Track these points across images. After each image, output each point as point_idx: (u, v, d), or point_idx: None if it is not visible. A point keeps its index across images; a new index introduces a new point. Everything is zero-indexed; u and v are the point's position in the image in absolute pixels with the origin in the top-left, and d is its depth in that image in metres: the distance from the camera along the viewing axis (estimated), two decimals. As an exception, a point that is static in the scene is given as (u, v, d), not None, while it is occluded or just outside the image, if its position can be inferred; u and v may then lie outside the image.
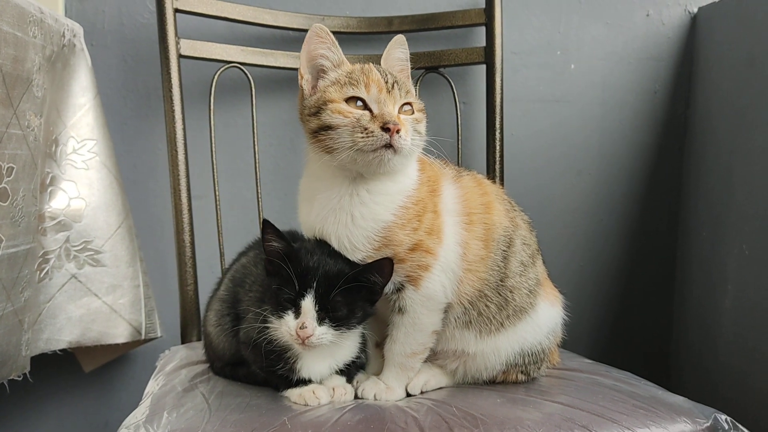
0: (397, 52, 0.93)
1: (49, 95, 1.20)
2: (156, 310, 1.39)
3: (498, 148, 1.45)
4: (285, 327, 0.84)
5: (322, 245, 0.89)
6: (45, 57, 1.15)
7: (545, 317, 0.98)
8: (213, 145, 1.36)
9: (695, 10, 1.56)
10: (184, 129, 1.32)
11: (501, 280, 0.94)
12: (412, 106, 0.90)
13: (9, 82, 1.02)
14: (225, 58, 1.38)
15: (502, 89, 1.44)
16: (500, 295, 0.94)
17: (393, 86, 0.87)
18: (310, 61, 0.91)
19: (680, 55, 1.57)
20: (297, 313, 0.84)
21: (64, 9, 1.43)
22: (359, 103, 0.87)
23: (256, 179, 1.40)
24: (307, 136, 0.90)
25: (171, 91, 1.32)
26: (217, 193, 1.37)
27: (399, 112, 0.88)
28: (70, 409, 1.50)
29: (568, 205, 1.59)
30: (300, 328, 0.83)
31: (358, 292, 0.85)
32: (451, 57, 1.46)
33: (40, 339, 1.25)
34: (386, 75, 0.89)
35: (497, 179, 1.44)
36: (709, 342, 1.45)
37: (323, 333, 0.84)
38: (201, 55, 1.36)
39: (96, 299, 1.30)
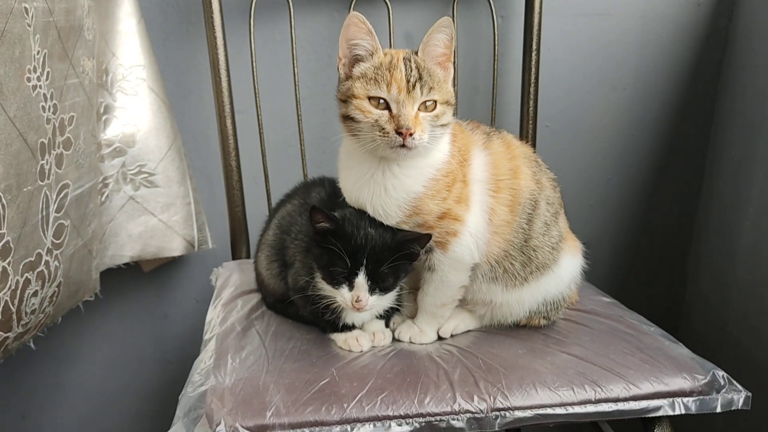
0: (440, 35, 0.94)
1: (98, 28, 1.24)
2: (206, 223, 1.50)
3: (534, 64, 1.46)
4: (341, 297, 0.95)
5: (363, 214, 0.97)
6: (92, -3, 1.17)
7: (566, 270, 1.07)
8: (254, 63, 1.39)
9: None
10: (226, 56, 1.35)
11: (525, 241, 1.01)
12: (435, 101, 0.93)
13: (64, 36, 1.07)
14: (264, -21, 1.38)
15: (541, 3, 1.43)
16: (524, 254, 1.02)
17: (414, 86, 0.90)
18: (347, 47, 0.94)
19: (728, -35, 1.52)
20: (351, 286, 0.94)
21: None
22: (381, 101, 0.91)
23: (296, 94, 1.44)
24: (339, 116, 0.96)
25: (212, 17, 1.34)
26: (259, 108, 1.42)
27: (420, 110, 0.91)
28: (132, 305, 1.66)
29: (600, 119, 1.61)
30: (356, 301, 0.94)
31: (399, 259, 0.94)
32: (491, -27, 1.44)
33: (105, 256, 1.38)
34: (411, 72, 0.91)
35: (532, 95, 1.47)
36: (725, 261, 1.53)
37: (375, 301, 0.96)
38: (240, -23, 1.36)
39: (152, 217, 1.41)
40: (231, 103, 1.38)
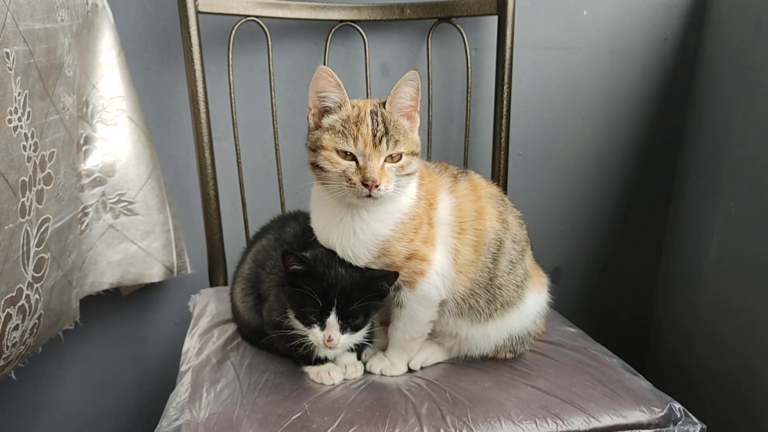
0: (407, 88, 0.98)
1: (78, 62, 1.26)
2: (185, 249, 1.53)
3: (506, 94, 1.50)
4: (313, 336, 0.99)
5: (333, 254, 1.00)
6: (73, 34, 1.20)
7: (531, 306, 1.11)
8: (232, 94, 1.43)
9: (714, -46, 1.54)
10: (204, 88, 1.39)
11: (490, 279, 1.06)
12: (401, 153, 0.96)
13: (44, 75, 1.09)
14: (242, 12, 1.42)
15: (512, 39, 1.47)
16: (489, 292, 1.06)
17: (380, 140, 0.94)
18: (317, 98, 0.98)
19: (694, 1, 1.57)
20: (322, 326, 0.98)
21: (81, -46, 1.44)
22: (349, 153, 0.95)
23: (273, 123, 1.48)
24: (309, 164, 1.00)
25: (191, 50, 1.37)
26: (237, 137, 1.46)
27: (386, 161, 0.95)
28: (111, 328, 1.68)
29: (571, 148, 1.66)
30: (327, 340, 0.98)
31: (369, 298, 0.98)
32: (464, 8, 1.48)
33: (85, 284, 1.40)
34: (377, 126, 0.95)
35: (504, 124, 1.51)
36: (691, 287, 1.58)
37: (346, 339, 1.00)
38: (218, 11, 1.40)
39: (132, 245, 1.44)
40: (209, 133, 1.41)
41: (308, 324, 0.99)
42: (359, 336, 1.04)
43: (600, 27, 1.58)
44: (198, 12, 1.37)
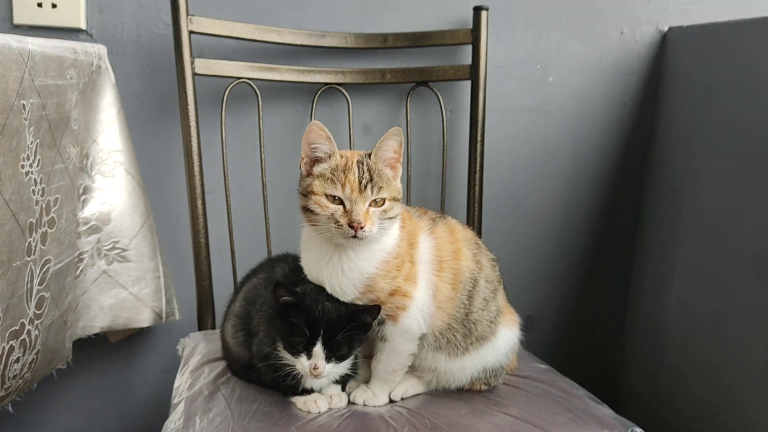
0: (391, 142, 1.08)
1: (82, 117, 1.36)
2: (174, 296, 1.60)
3: (479, 153, 1.62)
4: (300, 365, 1.07)
5: (321, 290, 1.09)
6: (79, 92, 1.30)
7: (504, 341, 1.20)
8: (224, 149, 1.53)
9: (666, 29, 1.70)
10: (198, 144, 1.48)
11: (466, 315, 1.15)
12: (384, 198, 1.06)
13: (53, 127, 1.19)
14: (235, 75, 1.53)
15: (485, 102, 1.60)
16: (465, 326, 1.15)
17: (365, 186, 1.04)
18: (309, 149, 1.09)
19: (649, 70, 1.72)
20: (309, 355, 1.06)
21: (85, 21, 1.56)
22: (337, 198, 1.05)
23: (262, 177, 1.58)
24: (300, 208, 1.10)
25: (187, 108, 1.47)
26: (227, 189, 1.55)
27: (370, 205, 1.05)
28: (98, 373, 1.72)
29: (541, 203, 1.78)
30: (313, 368, 1.05)
31: (354, 330, 1.07)
32: (440, 73, 1.61)
33: (77, 326, 1.46)
34: (363, 174, 1.05)
35: (477, 181, 1.62)
36: (656, 333, 1.68)
37: (331, 369, 1.07)
38: (213, 73, 1.51)
39: (123, 290, 1.50)
40: (202, 185, 1.50)
41: (296, 353, 1.06)
42: (344, 367, 1.11)
43: (564, 92, 1.73)
44: (195, 74, 1.48)
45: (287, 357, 1.08)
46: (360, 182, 1.05)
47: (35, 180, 1.12)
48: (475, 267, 1.16)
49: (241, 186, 1.65)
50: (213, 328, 1.53)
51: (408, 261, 1.10)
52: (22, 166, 1.08)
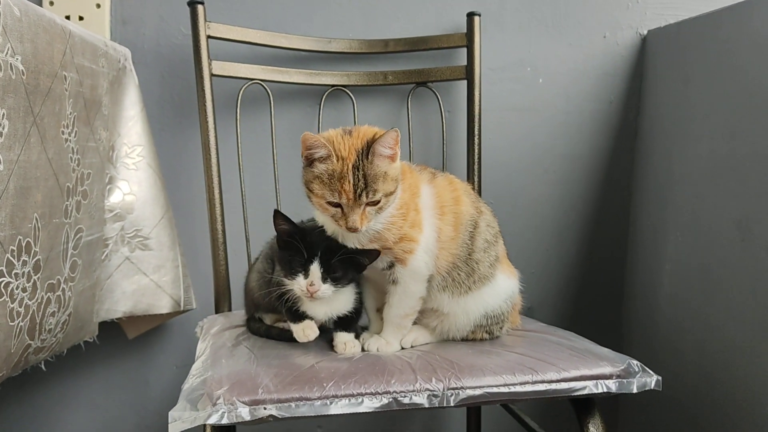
0: (387, 138, 1.14)
1: (110, 108, 1.47)
2: (191, 286, 1.68)
3: (477, 150, 1.73)
4: (297, 285, 1.16)
5: (323, 229, 1.20)
6: (109, 81, 1.42)
7: (503, 286, 1.29)
8: (239, 147, 1.64)
9: (645, 32, 1.84)
10: (216, 138, 1.59)
11: (469, 254, 1.24)
12: (380, 199, 1.13)
13: (88, 106, 1.30)
14: (248, 76, 1.66)
15: (480, 101, 1.73)
16: (468, 265, 1.24)
17: (360, 194, 1.11)
18: (307, 153, 1.17)
19: (632, 70, 1.86)
20: (306, 275, 1.15)
21: (110, 33, 1.70)
22: (335, 203, 1.14)
23: (275, 176, 1.68)
24: (305, 191, 1.19)
25: (205, 105, 1.59)
26: (242, 187, 1.65)
27: (367, 205, 1.13)
28: (116, 370, 1.79)
29: (536, 197, 1.88)
30: (309, 285, 1.14)
31: (350, 263, 1.17)
32: (438, 74, 1.74)
33: (101, 309, 1.54)
34: (358, 182, 1.12)
35: (476, 176, 1.73)
36: (651, 315, 1.75)
37: (326, 288, 1.16)
38: (229, 74, 1.63)
39: (145, 277, 1.59)
40: (219, 175, 1.59)
41: (294, 273, 1.15)
42: (343, 302, 1.21)
43: (554, 92, 1.85)
44: (212, 75, 1.60)
45: (287, 282, 1.17)
46: (355, 191, 1.12)
47: (72, 149, 1.23)
48: (475, 212, 1.26)
49: (253, 182, 1.75)
50: (229, 310, 1.61)
51: (413, 210, 1.19)
52: (62, 132, 1.18)
